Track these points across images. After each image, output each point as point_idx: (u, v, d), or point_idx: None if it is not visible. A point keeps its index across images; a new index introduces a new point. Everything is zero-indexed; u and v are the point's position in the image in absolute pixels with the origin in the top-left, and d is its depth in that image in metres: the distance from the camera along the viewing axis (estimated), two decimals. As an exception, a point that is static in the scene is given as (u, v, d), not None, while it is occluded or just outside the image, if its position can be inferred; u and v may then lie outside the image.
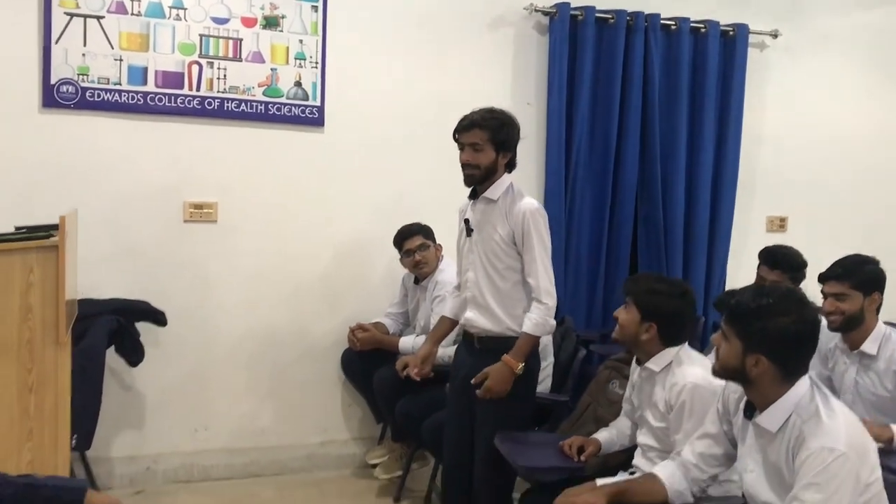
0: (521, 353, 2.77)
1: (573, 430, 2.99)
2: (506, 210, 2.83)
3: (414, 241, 3.82)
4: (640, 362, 2.59)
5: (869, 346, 2.82)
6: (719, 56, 4.63)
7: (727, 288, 4.75)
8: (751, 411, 2.01)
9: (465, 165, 2.86)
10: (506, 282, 2.86)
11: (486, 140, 2.82)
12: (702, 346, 4.41)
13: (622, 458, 2.68)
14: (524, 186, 4.31)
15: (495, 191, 2.86)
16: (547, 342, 3.47)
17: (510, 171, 2.93)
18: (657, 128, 4.51)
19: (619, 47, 4.38)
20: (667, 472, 2.20)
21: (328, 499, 3.78)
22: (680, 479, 2.18)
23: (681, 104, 4.57)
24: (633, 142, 4.49)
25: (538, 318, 2.78)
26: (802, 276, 3.41)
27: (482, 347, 2.90)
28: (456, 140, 2.90)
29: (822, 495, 1.75)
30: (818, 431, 1.83)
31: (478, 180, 2.87)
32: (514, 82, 4.42)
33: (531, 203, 2.83)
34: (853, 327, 2.82)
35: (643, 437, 2.55)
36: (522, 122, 4.30)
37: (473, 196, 2.95)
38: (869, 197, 5.11)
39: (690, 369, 2.41)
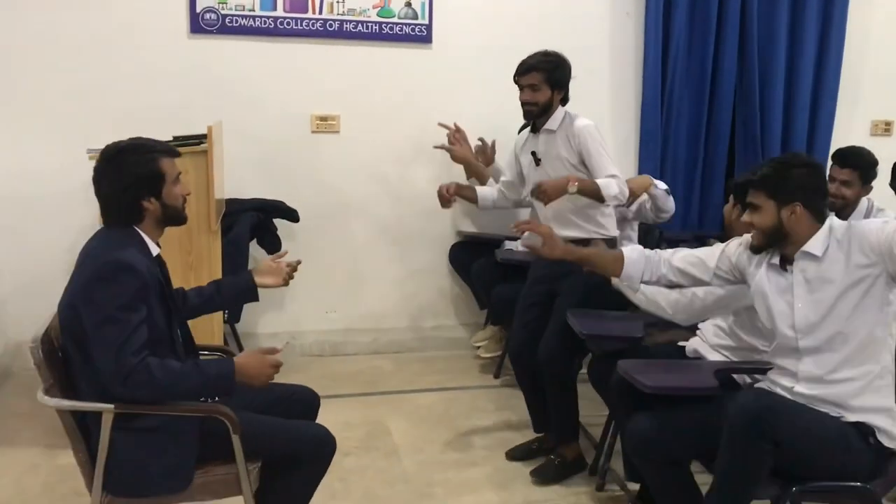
0: (584, 183, 3.06)
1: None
2: (567, 135, 3.18)
3: None
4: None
5: None
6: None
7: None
8: (785, 264, 2.31)
9: (524, 104, 3.23)
10: (580, 198, 3.17)
11: (542, 81, 3.18)
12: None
13: (685, 336, 3.01)
14: (621, 95, 4.68)
15: (553, 122, 3.22)
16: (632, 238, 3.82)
17: (564, 105, 3.26)
18: (756, 31, 4.63)
19: (718, -48, 4.50)
20: (633, 253, 2.59)
21: (437, 373, 4.35)
22: (641, 264, 2.57)
23: (781, 7, 4.65)
24: (731, 48, 4.63)
25: (606, 181, 3.07)
26: (874, 175, 3.54)
27: None
28: (516, 82, 3.25)
29: None
30: (860, 226, 2.21)
31: (536, 115, 3.24)
32: (614, -7, 4.64)
33: (584, 121, 3.18)
34: None
35: None
36: (621, 32, 4.66)
37: (534, 130, 3.29)
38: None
39: None
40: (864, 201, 3.60)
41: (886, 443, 2.20)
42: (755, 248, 2.37)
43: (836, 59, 4.79)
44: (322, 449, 2.28)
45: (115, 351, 1.97)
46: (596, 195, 3.08)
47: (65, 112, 4.07)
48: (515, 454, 3.38)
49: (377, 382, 4.22)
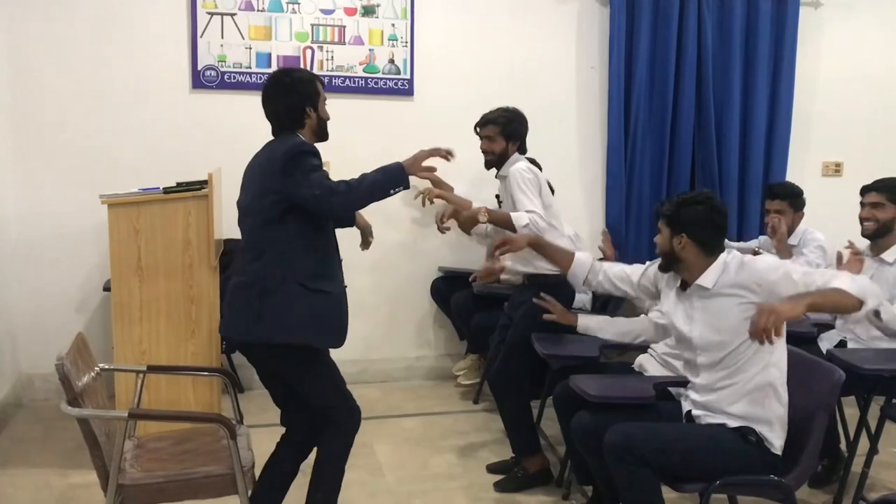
0: (494, 214, 3.41)
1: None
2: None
3: None
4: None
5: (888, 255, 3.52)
6: (771, 17, 5.08)
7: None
8: (685, 286, 2.66)
9: (483, 152, 3.66)
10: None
11: (496, 133, 3.59)
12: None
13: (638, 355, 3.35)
14: (588, 140, 5.07)
15: (506, 169, 3.58)
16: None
17: (523, 153, 3.63)
18: (711, 84, 5.01)
19: (673, 13, 4.93)
20: (583, 256, 3.10)
21: (421, 400, 4.67)
22: (586, 268, 3.06)
23: (734, 61, 5.06)
24: (689, 97, 5.01)
25: (519, 214, 3.37)
26: (801, 203, 4.13)
27: (529, 283, 3.60)
28: (477, 134, 3.67)
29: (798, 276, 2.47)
30: (753, 263, 2.54)
31: (494, 163, 3.65)
32: (579, 49, 5.07)
33: (517, 165, 3.50)
34: (882, 235, 3.52)
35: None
36: (586, 83, 5.08)
37: (497, 175, 3.69)
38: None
39: None
40: (801, 227, 4.04)
41: (770, 447, 2.51)
42: (660, 267, 2.75)
43: (787, 105, 5.16)
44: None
45: (320, 182, 2.57)
46: (507, 224, 3.39)
47: (78, 160, 4.45)
48: (494, 468, 3.69)
49: (364, 408, 4.46)
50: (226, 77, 4.60)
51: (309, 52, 4.68)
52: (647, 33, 4.95)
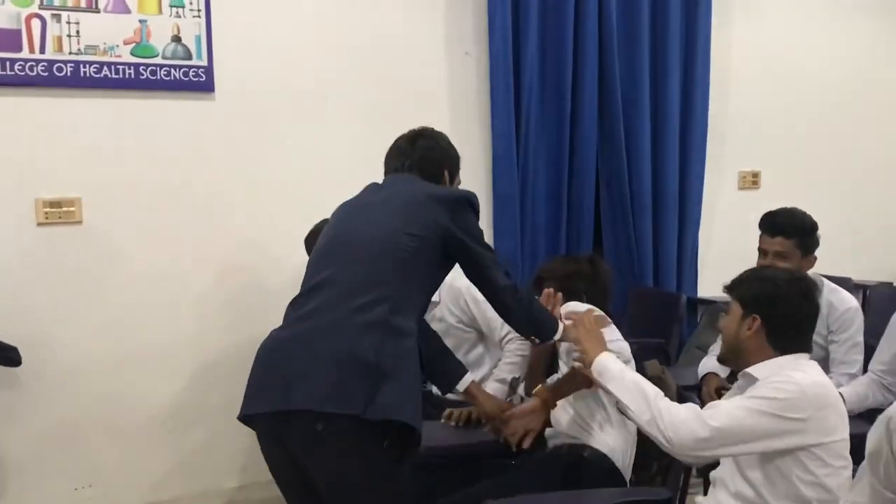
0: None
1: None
2: None
3: None
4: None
5: None
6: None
7: (699, 255, 4.32)
8: None
9: None
10: None
11: None
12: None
13: None
14: (470, 153, 3.75)
15: None
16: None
17: None
18: (617, 75, 3.98)
19: (568, -11, 3.79)
20: None
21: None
22: None
23: (642, 48, 4.06)
24: (591, 93, 3.93)
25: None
26: (814, 242, 2.80)
27: None
28: None
29: None
30: None
31: None
32: (449, 27, 3.79)
33: None
34: None
35: None
36: (461, 74, 3.82)
37: None
38: (846, 144, 4.74)
39: None
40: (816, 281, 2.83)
41: None
42: None
43: (703, 105, 4.22)
44: None
45: (500, 264, 2.21)
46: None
47: None
48: None
49: None
50: None
51: (37, 22, 2.97)
52: (536, 6, 3.76)
